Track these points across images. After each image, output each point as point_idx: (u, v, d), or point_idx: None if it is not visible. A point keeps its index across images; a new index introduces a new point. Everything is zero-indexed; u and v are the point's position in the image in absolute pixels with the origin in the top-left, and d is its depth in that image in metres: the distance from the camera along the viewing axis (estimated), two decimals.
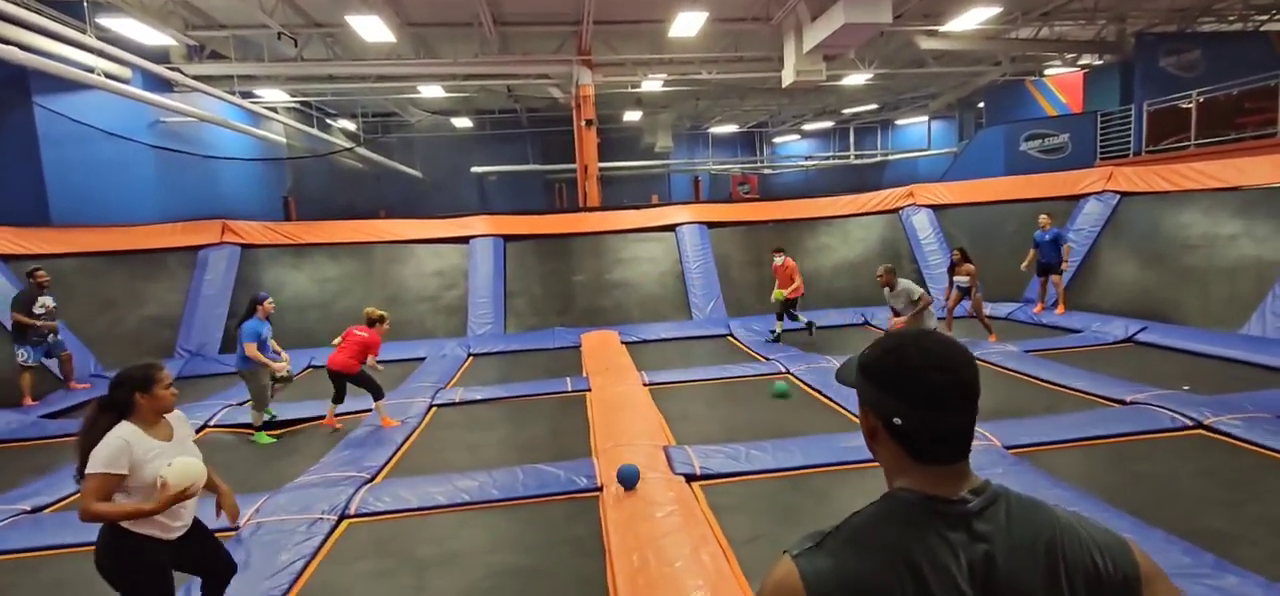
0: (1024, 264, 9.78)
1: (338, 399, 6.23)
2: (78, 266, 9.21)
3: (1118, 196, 10.53)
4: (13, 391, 7.32)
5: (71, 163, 9.71)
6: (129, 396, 2.39)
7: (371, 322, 6.24)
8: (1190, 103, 11.35)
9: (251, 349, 5.74)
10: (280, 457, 5.63)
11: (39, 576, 3.77)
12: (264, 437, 5.97)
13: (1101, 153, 13.13)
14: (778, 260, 9.43)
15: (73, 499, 4.83)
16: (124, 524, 2.35)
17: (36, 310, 7.45)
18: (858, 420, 1.05)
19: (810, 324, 9.43)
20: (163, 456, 2.37)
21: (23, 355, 7.37)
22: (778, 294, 9.23)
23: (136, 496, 2.35)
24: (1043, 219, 9.66)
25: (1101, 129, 13.30)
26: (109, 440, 2.32)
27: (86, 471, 2.27)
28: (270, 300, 6.16)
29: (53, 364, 7.84)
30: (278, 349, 6.16)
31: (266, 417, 6.08)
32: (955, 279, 8.50)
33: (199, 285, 10.19)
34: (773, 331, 9.36)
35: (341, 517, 4.21)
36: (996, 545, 0.87)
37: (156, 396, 2.42)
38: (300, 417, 6.57)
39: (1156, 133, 12.05)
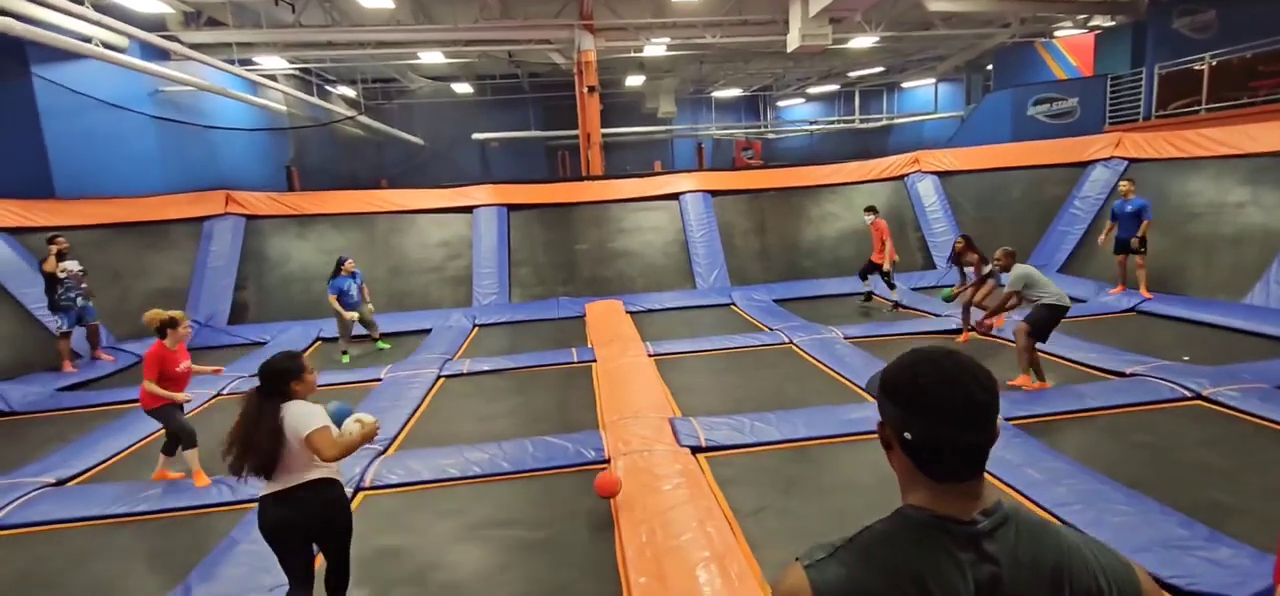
0: (1101, 237, 8.82)
1: (168, 447, 4.69)
2: (84, 239, 9.21)
3: (1125, 163, 10.43)
4: (51, 358, 7.73)
5: (74, 134, 9.66)
6: (287, 385, 2.77)
7: (157, 332, 4.47)
8: (1203, 65, 11.17)
9: (332, 299, 7.85)
10: None
11: (65, 548, 3.89)
12: (346, 358, 8.04)
13: (1110, 117, 12.96)
14: (868, 219, 9.29)
15: (97, 470, 4.96)
16: (330, 475, 2.81)
17: (59, 274, 7.57)
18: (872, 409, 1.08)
19: (871, 292, 9.31)
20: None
21: (57, 323, 7.65)
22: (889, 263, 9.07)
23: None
24: (1124, 186, 8.61)
25: (1111, 93, 13.10)
26: (305, 407, 2.73)
27: (308, 434, 2.65)
28: (351, 260, 8.09)
29: (81, 332, 7.96)
30: (367, 296, 8.22)
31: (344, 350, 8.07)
32: (963, 268, 7.63)
33: (205, 256, 10.24)
34: (891, 299, 9.27)
35: (357, 490, 4.32)
36: (1004, 566, 0.90)
37: (307, 383, 2.84)
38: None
39: (1167, 96, 11.88)
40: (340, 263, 7.98)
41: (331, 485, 2.81)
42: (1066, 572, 0.91)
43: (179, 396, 4.47)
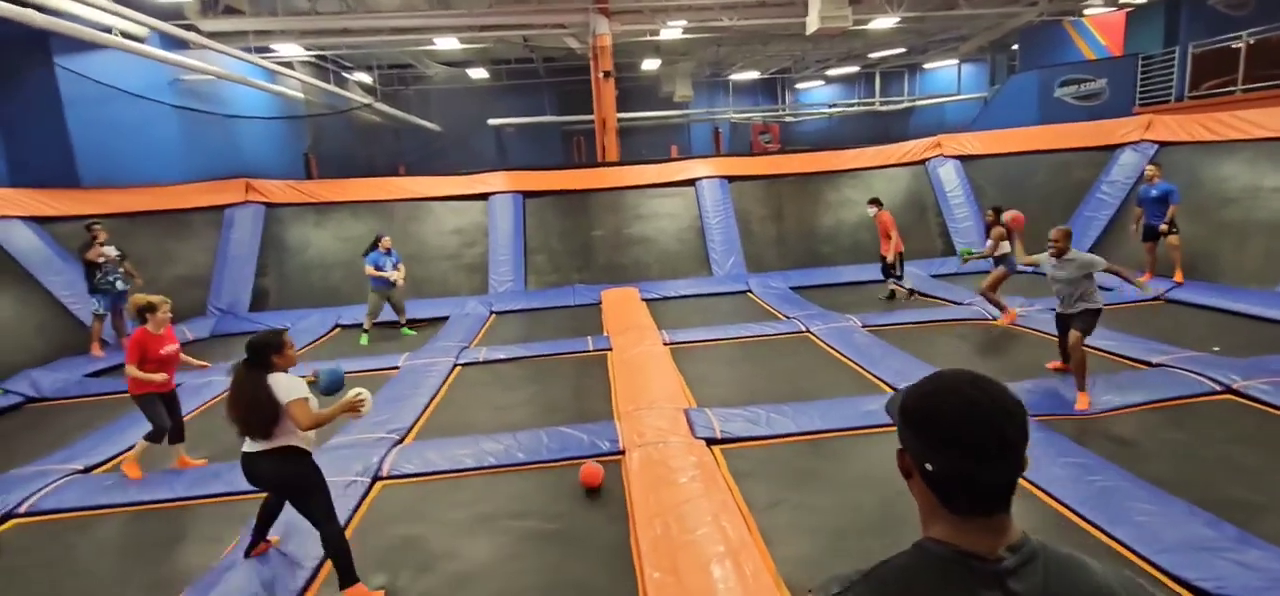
0: (1132, 227, 8.54)
1: (174, 436, 4.73)
2: (109, 227, 9.28)
3: (1156, 146, 10.14)
4: (80, 344, 7.98)
5: (96, 123, 9.79)
6: (269, 357, 3.10)
7: (137, 317, 4.56)
8: (1240, 44, 10.77)
9: (369, 269, 8.27)
10: None
11: (93, 535, 3.98)
12: (364, 339, 8.37)
13: (1141, 99, 12.58)
14: (871, 212, 9.13)
15: (119, 459, 5.06)
16: (298, 445, 3.14)
17: (98, 259, 7.79)
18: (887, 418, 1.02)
19: (894, 289, 9.11)
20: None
21: (94, 304, 7.87)
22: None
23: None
24: (1149, 170, 8.42)
25: (1142, 73, 12.70)
26: (287, 380, 3.07)
27: (287, 402, 3.01)
28: (388, 238, 8.58)
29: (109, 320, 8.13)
30: (400, 278, 8.47)
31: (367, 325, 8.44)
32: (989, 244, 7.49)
33: (226, 244, 10.37)
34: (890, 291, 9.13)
35: (375, 479, 4.36)
36: None
37: (287, 356, 3.16)
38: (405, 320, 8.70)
39: (1201, 76, 11.48)
40: (377, 239, 8.46)
41: (284, 456, 3.10)
42: None
43: (157, 378, 4.47)
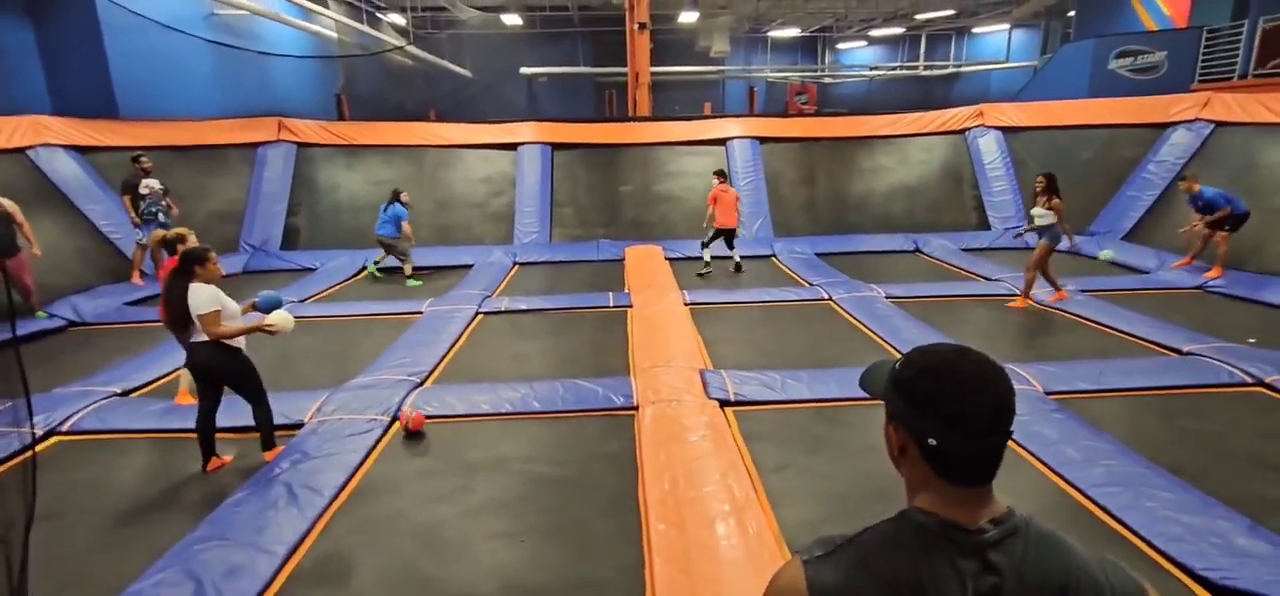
0: (1188, 229, 8.00)
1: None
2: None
3: (1212, 126, 9.67)
4: (119, 272, 8.35)
5: (134, 54, 9.93)
6: (192, 267, 3.74)
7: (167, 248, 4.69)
8: None
9: (406, 227, 8.72)
10: (340, 355, 5.98)
11: (130, 458, 4.19)
12: (414, 281, 8.73)
13: (1201, 75, 11.93)
14: (715, 183, 8.86)
15: (158, 383, 5.29)
16: (229, 341, 3.81)
17: (142, 191, 8.12)
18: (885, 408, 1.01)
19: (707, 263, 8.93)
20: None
21: (139, 235, 8.21)
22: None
23: (234, 321, 3.82)
24: (1183, 186, 8.01)
25: (1205, 47, 12.02)
26: (205, 293, 3.69)
27: (199, 312, 3.67)
28: (407, 193, 8.98)
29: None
30: (408, 232, 8.81)
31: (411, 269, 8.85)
32: (1035, 212, 6.94)
33: (259, 182, 10.57)
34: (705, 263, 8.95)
35: (394, 419, 4.50)
36: (1006, 579, 0.86)
37: (209, 270, 3.77)
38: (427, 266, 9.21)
39: (1269, 53, 10.82)
40: (396, 192, 8.86)
41: (216, 348, 3.75)
42: (1074, 592, 0.87)
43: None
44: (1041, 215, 6.81)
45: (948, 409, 0.89)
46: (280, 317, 3.92)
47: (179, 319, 3.72)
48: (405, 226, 8.67)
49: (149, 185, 8.17)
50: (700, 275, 8.75)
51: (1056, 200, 6.74)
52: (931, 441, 0.90)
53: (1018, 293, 7.22)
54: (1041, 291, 7.18)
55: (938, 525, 0.89)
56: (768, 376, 4.98)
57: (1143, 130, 10.41)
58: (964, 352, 0.92)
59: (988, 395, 0.89)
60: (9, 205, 6.58)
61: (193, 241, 4.67)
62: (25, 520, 2.17)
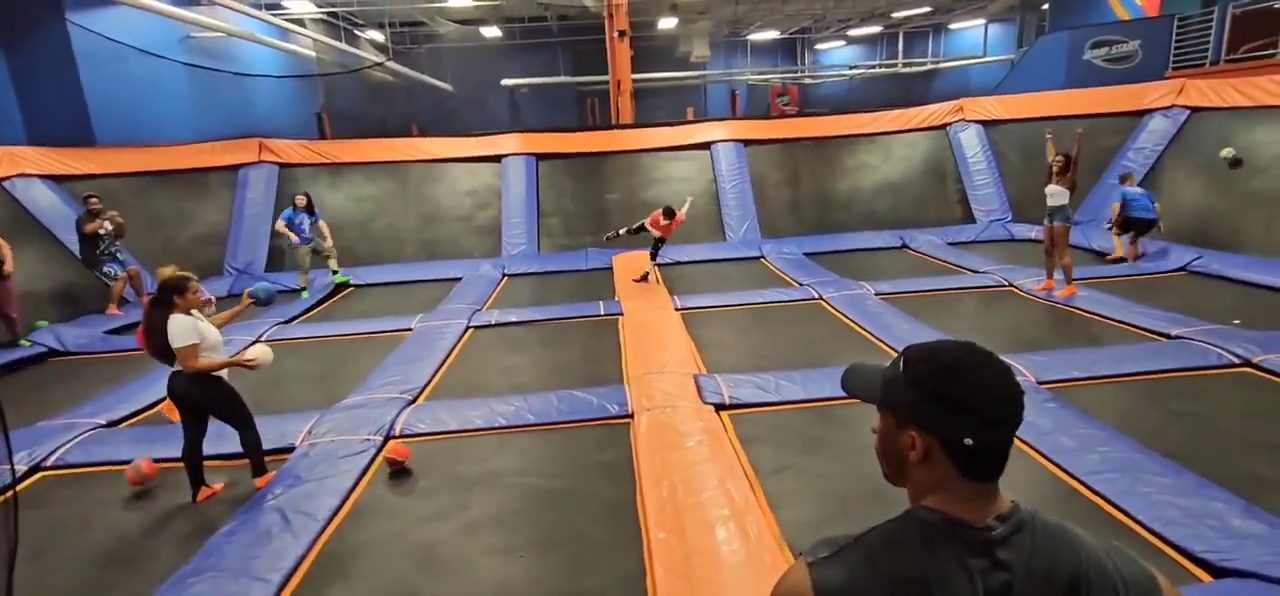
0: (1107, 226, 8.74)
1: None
2: (124, 186, 9.48)
3: (1187, 112, 9.82)
4: (98, 301, 8.21)
5: (110, 80, 9.78)
6: (171, 298, 3.63)
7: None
8: None
9: (281, 226, 8.87)
10: (330, 375, 5.90)
11: (118, 491, 4.09)
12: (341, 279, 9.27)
13: (1174, 62, 12.13)
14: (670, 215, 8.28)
15: (145, 414, 5.20)
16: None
17: (99, 232, 7.88)
18: (880, 413, 1.01)
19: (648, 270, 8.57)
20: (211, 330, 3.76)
21: (109, 270, 8.07)
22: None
23: (212, 354, 3.72)
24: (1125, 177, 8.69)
25: (1177, 35, 12.22)
26: (183, 325, 3.57)
27: (176, 346, 3.57)
28: (301, 195, 9.07)
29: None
30: (324, 232, 9.13)
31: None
32: (1050, 190, 6.79)
33: (241, 204, 10.45)
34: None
35: (387, 438, 4.44)
36: (1017, 575, 0.85)
37: (189, 299, 3.67)
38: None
39: (1239, 39, 11.02)
40: (293, 198, 9.17)
41: (185, 375, 3.66)
42: (1084, 583, 0.86)
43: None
44: (1056, 193, 6.68)
45: (983, 407, 0.88)
46: (259, 351, 3.86)
47: (160, 350, 3.65)
48: (280, 226, 8.94)
49: (104, 226, 7.88)
50: (608, 239, 9.27)
51: (1067, 175, 6.70)
52: (968, 441, 0.88)
53: (1048, 283, 7.02)
54: (1028, 280, 7.24)
55: (944, 522, 0.88)
56: (762, 378, 4.97)
57: (1121, 118, 10.56)
58: (970, 348, 0.91)
59: (1013, 387, 0.89)
60: None
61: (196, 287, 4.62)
62: (8, 561, 2.11)
